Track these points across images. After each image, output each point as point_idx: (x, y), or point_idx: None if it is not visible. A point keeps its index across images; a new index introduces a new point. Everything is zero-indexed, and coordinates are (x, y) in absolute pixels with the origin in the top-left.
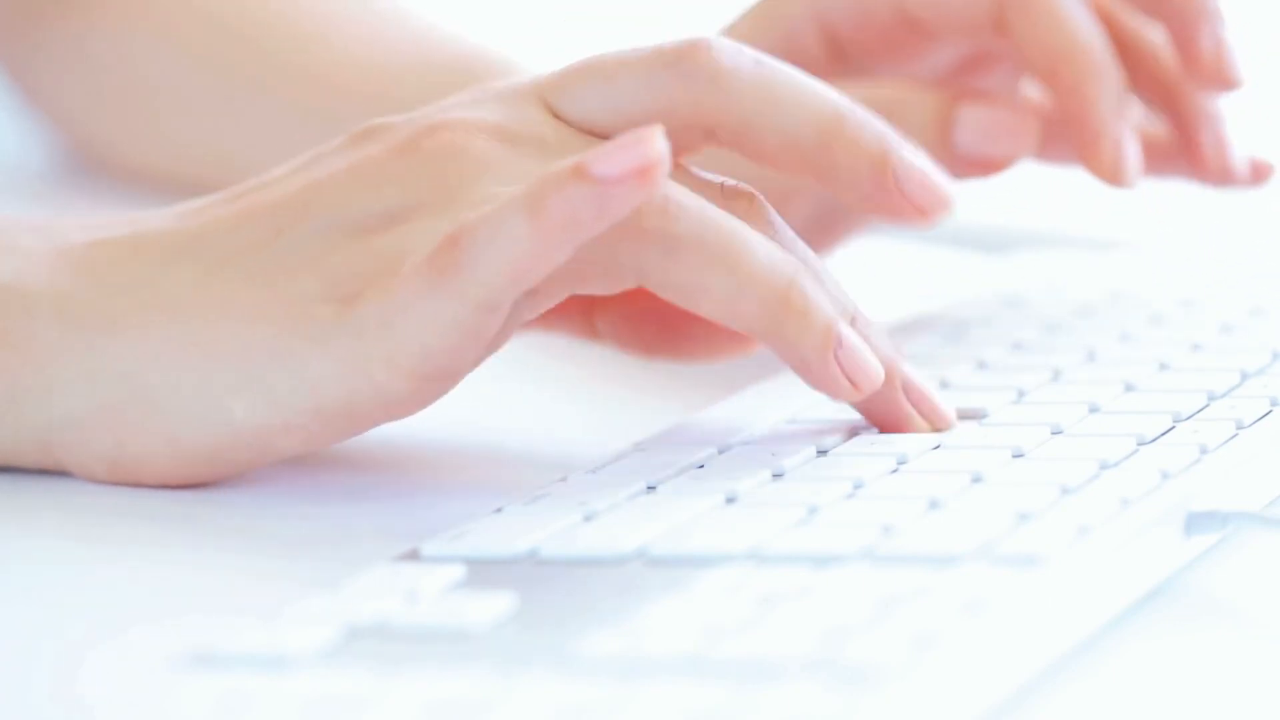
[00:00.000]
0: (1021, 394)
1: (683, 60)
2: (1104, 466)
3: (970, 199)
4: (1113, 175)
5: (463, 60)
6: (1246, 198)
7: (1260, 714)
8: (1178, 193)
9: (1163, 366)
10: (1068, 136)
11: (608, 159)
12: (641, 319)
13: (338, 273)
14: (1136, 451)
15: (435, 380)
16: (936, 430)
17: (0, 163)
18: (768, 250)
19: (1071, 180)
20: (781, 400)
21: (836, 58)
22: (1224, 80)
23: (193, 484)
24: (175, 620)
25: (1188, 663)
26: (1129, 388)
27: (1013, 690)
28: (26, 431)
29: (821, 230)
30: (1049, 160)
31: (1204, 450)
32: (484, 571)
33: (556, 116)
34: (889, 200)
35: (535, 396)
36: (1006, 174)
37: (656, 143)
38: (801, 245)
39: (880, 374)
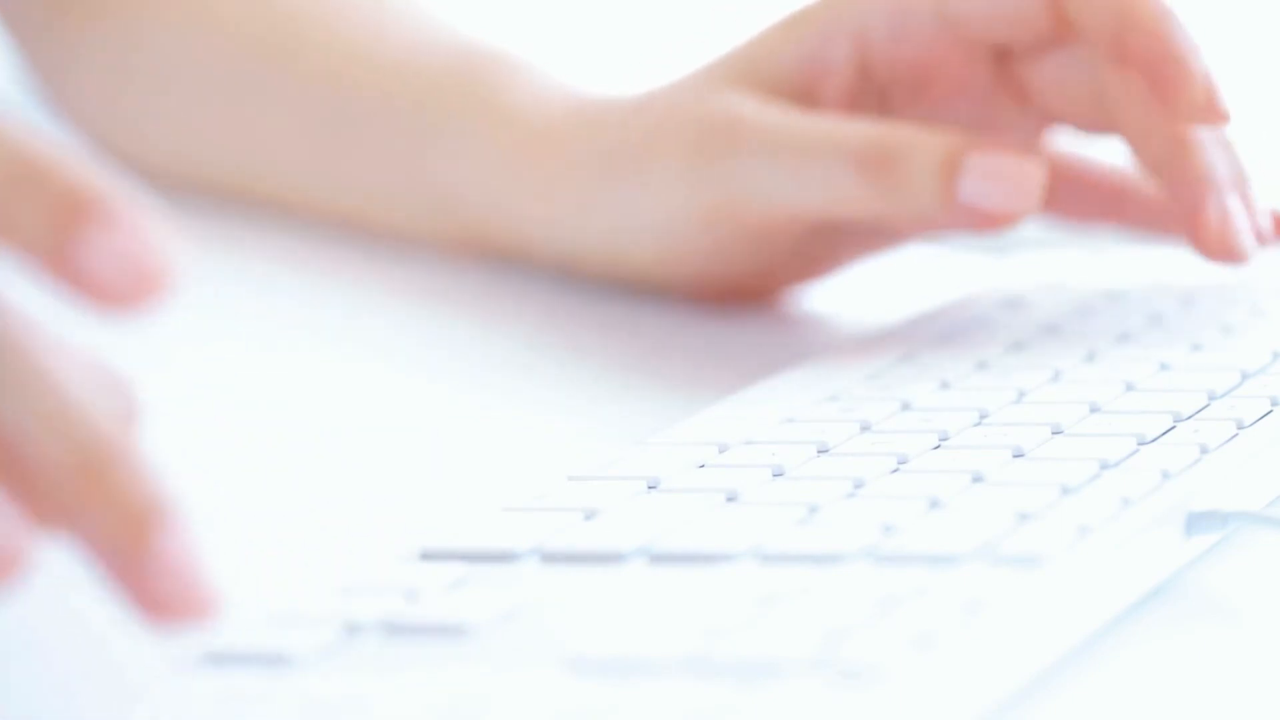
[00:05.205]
0: (1021, 394)
1: None
2: (1104, 466)
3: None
4: (1219, 243)
5: (471, 57)
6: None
7: (1260, 714)
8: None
9: (1163, 366)
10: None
11: None
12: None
13: None
14: (1137, 451)
15: None
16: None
17: None
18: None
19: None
20: (781, 400)
21: (864, 80)
22: (1213, 114)
23: None
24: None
25: (1188, 663)
26: (1129, 388)
27: (1013, 690)
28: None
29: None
30: (1142, 230)
31: (1204, 450)
32: (484, 570)
33: None
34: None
35: (535, 396)
36: (1011, 233)
37: None
38: None
39: None
